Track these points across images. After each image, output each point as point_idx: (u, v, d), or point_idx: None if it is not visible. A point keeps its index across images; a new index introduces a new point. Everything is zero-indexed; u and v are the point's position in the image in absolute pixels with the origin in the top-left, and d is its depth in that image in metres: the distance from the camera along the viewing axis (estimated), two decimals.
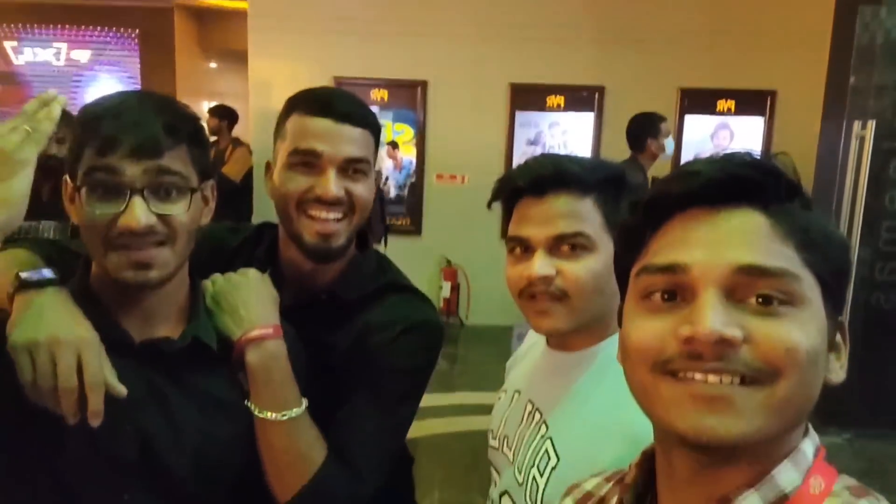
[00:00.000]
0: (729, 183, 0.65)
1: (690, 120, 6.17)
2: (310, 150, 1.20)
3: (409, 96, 6.21)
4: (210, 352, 1.09)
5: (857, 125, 4.10)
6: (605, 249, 1.10)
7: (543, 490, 1.09)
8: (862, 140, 4.08)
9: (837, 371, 0.68)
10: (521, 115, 6.20)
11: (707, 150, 5.99)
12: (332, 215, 1.22)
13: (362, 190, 1.24)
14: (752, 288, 0.62)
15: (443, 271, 6.28)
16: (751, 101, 6.11)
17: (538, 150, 6.16)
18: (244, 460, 1.11)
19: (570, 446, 1.09)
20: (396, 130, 6.29)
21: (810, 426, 0.69)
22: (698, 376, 0.61)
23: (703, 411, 0.61)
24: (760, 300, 0.62)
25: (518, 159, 6.12)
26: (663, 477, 0.72)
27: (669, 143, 4.38)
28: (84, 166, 0.98)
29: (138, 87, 8.12)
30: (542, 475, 1.10)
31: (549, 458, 1.10)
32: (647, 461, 0.77)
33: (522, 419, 1.23)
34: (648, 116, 4.43)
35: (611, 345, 1.13)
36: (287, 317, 1.18)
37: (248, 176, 5.66)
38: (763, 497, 0.63)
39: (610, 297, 1.12)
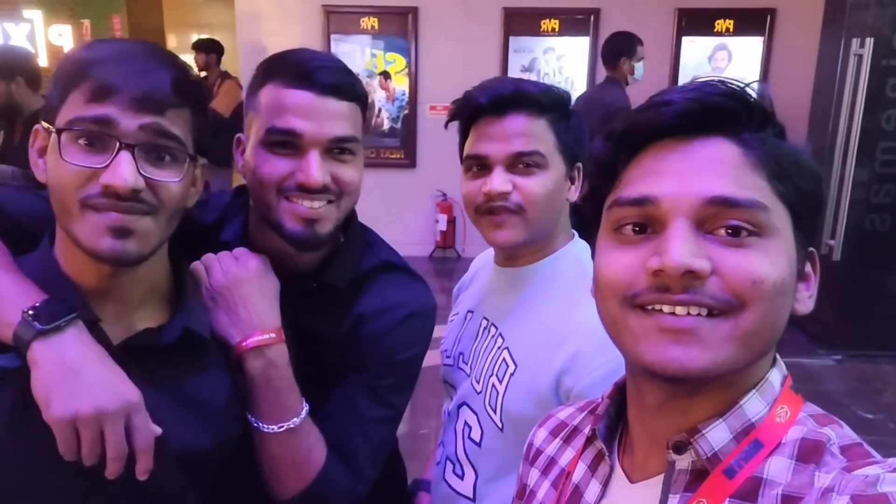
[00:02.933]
0: (701, 112, 0.64)
1: (688, 42, 6.04)
2: (289, 130, 1.02)
3: (400, 23, 6.06)
4: (198, 346, 0.97)
5: (855, 43, 4.02)
6: (556, 168, 1.18)
7: (503, 395, 1.17)
8: (860, 58, 4.00)
9: (806, 301, 0.68)
10: (514, 41, 6.07)
11: (705, 74, 5.90)
12: (316, 203, 1.05)
13: (352, 173, 1.08)
14: (721, 219, 0.62)
15: (438, 205, 6.27)
16: (750, 20, 5.96)
17: (533, 77, 6.06)
18: (229, 462, 1.02)
19: (525, 353, 1.17)
20: (388, 60, 6.16)
21: (778, 356, 0.70)
22: (666, 308, 0.62)
23: (670, 343, 0.62)
24: (730, 231, 0.62)
25: None
26: (633, 407, 0.74)
27: (639, 69, 4.35)
28: (68, 114, 0.85)
29: (125, 19, 7.89)
30: (500, 382, 1.18)
31: (508, 366, 1.18)
32: (619, 392, 0.78)
33: (477, 335, 1.31)
34: (626, 36, 4.39)
35: (558, 259, 1.24)
36: None
37: (238, 110, 5.56)
38: (730, 426, 0.64)
39: (557, 215, 1.22)
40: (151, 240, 0.88)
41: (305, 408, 1.05)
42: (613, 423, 0.78)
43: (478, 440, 1.22)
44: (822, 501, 0.56)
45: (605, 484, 0.75)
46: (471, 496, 1.23)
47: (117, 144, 0.83)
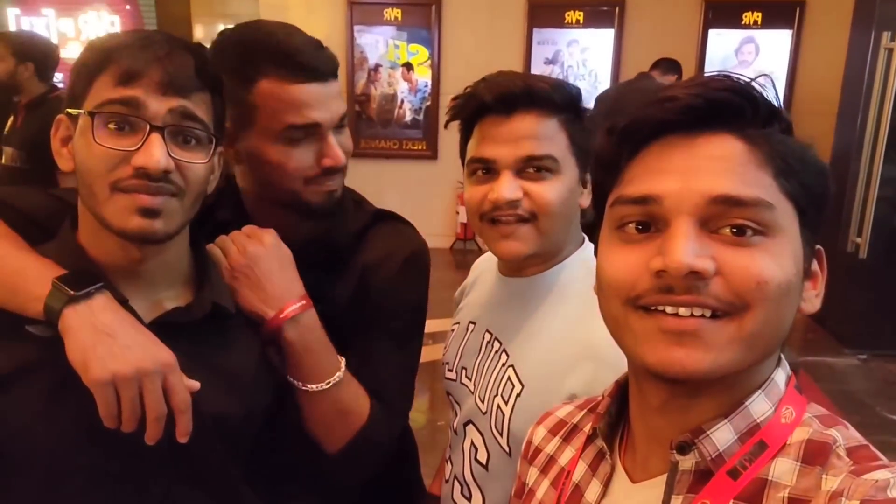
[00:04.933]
0: (705, 108, 0.63)
1: (714, 35, 5.96)
2: (312, 123, 1.08)
3: (423, 15, 6.05)
4: (224, 320, 1.00)
5: (885, 37, 3.94)
6: (570, 172, 1.09)
7: (509, 417, 1.09)
8: (890, 53, 3.92)
9: (812, 300, 0.67)
10: (538, 33, 6.03)
11: (732, 67, 5.83)
12: (337, 180, 1.15)
13: (347, 140, 1.17)
14: (725, 218, 0.61)
15: (459, 197, 6.27)
16: (779, 13, 5.86)
17: (556, 70, 6.03)
18: (261, 431, 1.05)
19: (533, 373, 1.09)
20: (411, 52, 6.16)
21: (782, 356, 0.69)
22: (669, 310, 0.61)
23: (672, 345, 0.61)
24: (734, 230, 0.61)
25: None
26: (636, 406, 0.73)
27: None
28: (97, 98, 0.86)
29: (152, 7, 7.97)
30: (506, 403, 1.11)
31: (514, 386, 1.11)
32: (620, 390, 0.77)
33: (480, 349, 1.22)
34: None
35: (567, 268, 1.14)
36: None
37: None
38: (735, 427, 0.64)
39: (569, 222, 1.13)
40: (177, 220, 0.90)
41: (343, 361, 1.10)
42: (614, 422, 0.77)
43: (484, 462, 1.16)
44: None
45: (607, 483, 0.74)
46: None
47: (147, 127, 0.85)
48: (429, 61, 6.16)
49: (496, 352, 1.18)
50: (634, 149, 0.67)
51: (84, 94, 0.88)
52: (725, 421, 0.64)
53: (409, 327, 1.23)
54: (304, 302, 1.07)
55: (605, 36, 6.01)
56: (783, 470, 0.61)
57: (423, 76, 6.21)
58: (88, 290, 0.85)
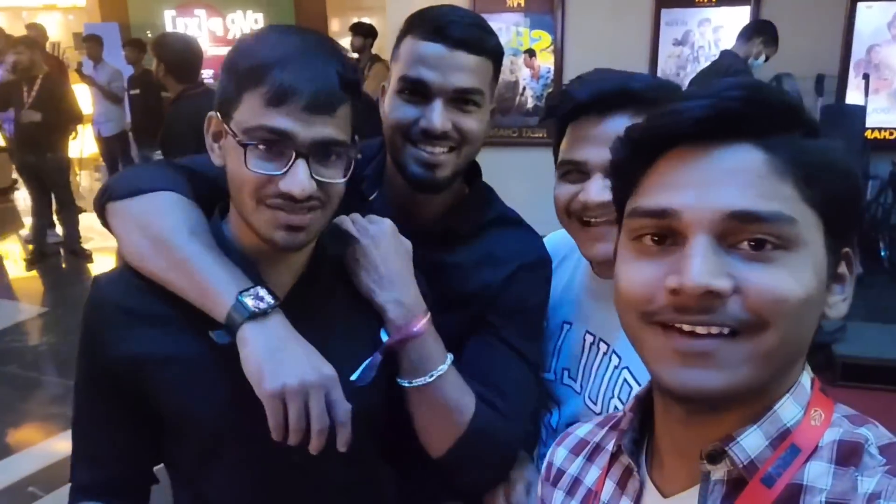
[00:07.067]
0: (718, 120, 0.61)
1: (863, 8, 5.45)
2: (417, 80, 1.12)
3: (547, 0, 5.98)
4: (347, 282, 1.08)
5: None
6: None
7: None
8: None
9: (838, 305, 0.65)
10: (666, 14, 5.77)
11: (885, 42, 5.33)
12: (437, 149, 1.14)
13: (472, 123, 1.15)
14: (744, 233, 0.59)
15: None
16: None
17: (686, 52, 5.77)
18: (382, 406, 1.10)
19: None
20: (533, 38, 6.10)
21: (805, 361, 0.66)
22: (685, 327, 0.60)
23: (686, 365, 0.60)
24: (752, 244, 0.59)
25: (663, 63, 5.77)
26: (660, 419, 0.72)
27: (760, 63, 4.59)
28: (247, 116, 0.91)
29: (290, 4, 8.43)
30: (625, 403, 1.09)
31: (632, 387, 1.10)
32: (641, 404, 0.76)
33: (584, 351, 1.20)
34: (773, 28, 4.63)
35: None
36: None
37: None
38: (765, 433, 0.62)
39: None
40: (317, 228, 0.98)
41: (450, 356, 1.10)
42: (638, 437, 0.76)
43: None
44: None
45: (637, 500, 0.72)
46: None
47: (294, 154, 0.90)
48: (551, 47, 6.09)
49: (604, 354, 1.16)
50: (649, 159, 0.66)
51: (235, 104, 0.92)
52: (755, 426, 0.62)
53: (518, 334, 1.19)
54: (427, 318, 1.08)
55: (741, 14, 5.64)
56: (817, 473, 0.59)
57: (545, 62, 6.15)
58: (267, 308, 0.94)
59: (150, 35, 8.03)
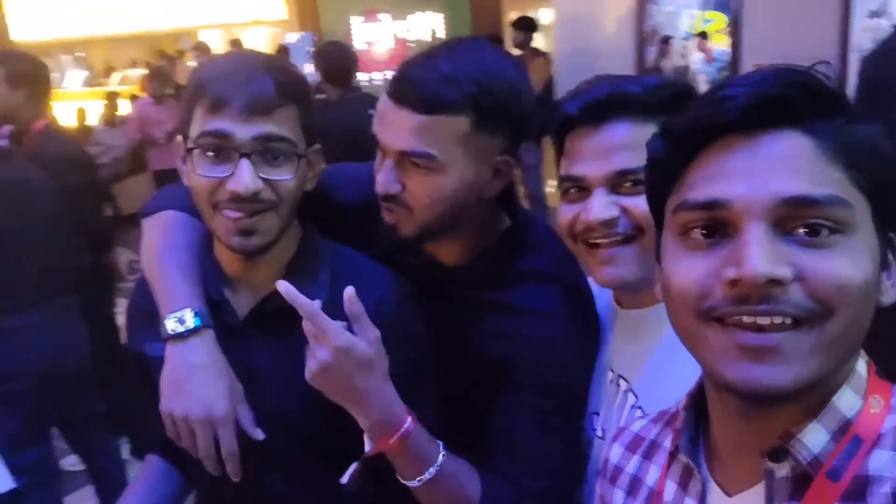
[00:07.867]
0: (763, 107, 0.60)
1: None
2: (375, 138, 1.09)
3: None
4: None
5: None
6: None
7: None
8: None
9: (889, 291, 0.63)
10: None
11: None
12: (390, 211, 1.10)
13: (415, 186, 1.05)
14: (799, 219, 0.59)
15: None
16: None
17: (883, 23, 5.13)
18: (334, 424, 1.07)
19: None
20: (706, 19, 5.76)
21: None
22: (746, 319, 0.59)
23: (752, 362, 0.59)
24: (807, 231, 0.58)
25: (857, 38, 5.18)
26: (717, 416, 0.71)
27: None
28: (195, 129, 0.99)
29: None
30: None
31: None
32: (694, 402, 0.75)
33: (607, 391, 1.11)
34: None
35: None
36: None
37: (548, 86, 5.75)
38: (826, 426, 0.62)
39: None
40: (274, 231, 1.02)
41: (442, 452, 1.04)
42: (694, 435, 0.74)
43: None
44: None
45: (702, 500, 0.71)
46: None
47: (237, 154, 0.97)
48: (728, 28, 5.71)
49: (623, 391, 1.07)
50: (692, 152, 0.65)
51: (188, 123, 1.02)
52: (815, 421, 0.62)
53: (555, 404, 1.11)
54: (409, 421, 0.99)
55: None
56: (882, 462, 0.59)
57: (719, 44, 5.78)
58: (182, 332, 1.01)
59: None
